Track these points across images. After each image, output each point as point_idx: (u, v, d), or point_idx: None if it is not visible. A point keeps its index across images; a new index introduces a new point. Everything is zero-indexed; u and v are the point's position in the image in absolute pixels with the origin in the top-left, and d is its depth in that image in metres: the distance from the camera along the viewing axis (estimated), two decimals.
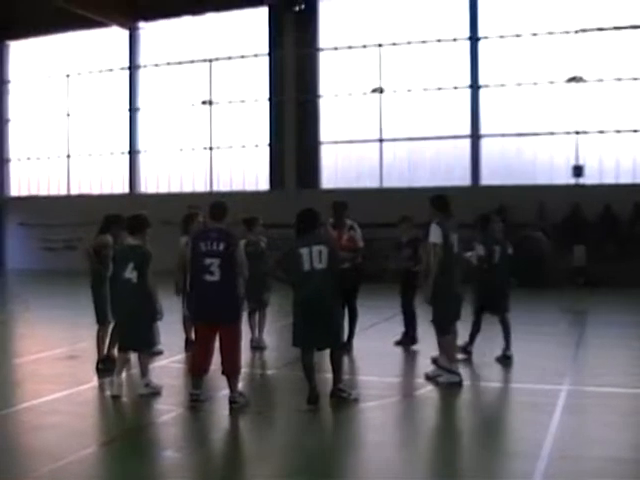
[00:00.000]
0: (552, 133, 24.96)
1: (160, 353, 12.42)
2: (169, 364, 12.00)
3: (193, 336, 12.41)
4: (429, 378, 10.60)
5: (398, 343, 13.19)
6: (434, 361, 10.88)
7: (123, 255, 10.15)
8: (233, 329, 9.44)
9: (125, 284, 9.92)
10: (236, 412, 9.25)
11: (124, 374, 10.46)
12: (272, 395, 10.79)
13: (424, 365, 11.32)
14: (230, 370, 9.40)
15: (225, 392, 9.52)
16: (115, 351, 10.80)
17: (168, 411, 9.38)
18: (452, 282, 10.48)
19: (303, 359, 9.51)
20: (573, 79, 24.53)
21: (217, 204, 9.67)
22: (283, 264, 10.02)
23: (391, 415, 9.57)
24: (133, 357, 10.65)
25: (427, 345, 11.95)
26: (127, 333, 10.10)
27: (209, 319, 9.36)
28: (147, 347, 10.25)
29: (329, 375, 9.71)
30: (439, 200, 10.81)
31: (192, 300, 9.95)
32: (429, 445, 8.39)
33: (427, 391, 10.20)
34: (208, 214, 9.78)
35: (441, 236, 10.39)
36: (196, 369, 9.58)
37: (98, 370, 11.30)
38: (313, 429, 9.01)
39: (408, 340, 13.18)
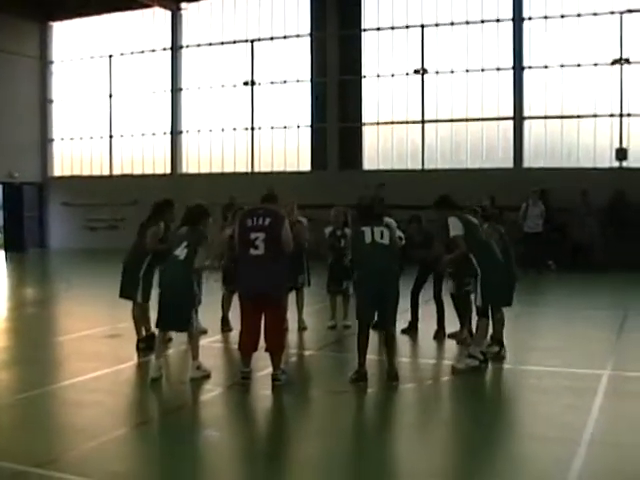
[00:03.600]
0: (596, 115, 24.62)
1: (204, 332, 12.45)
2: (208, 344, 12.00)
3: (229, 315, 12.50)
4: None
5: (404, 331, 12.72)
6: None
7: (180, 236, 10.10)
8: (277, 305, 9.54)
9: (172, 260, 9.87)
10: (278, 391, 9.30)
11: (163, 354, 10.48)
12: (311, 376, 10.82)
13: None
14: (274, 347, 9.46)
15: (266, 372, 9.57)
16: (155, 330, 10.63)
17: (209, 391, 9.45)
18: (494, 264, 10.29)
19: (359, 334, 9.62)
20: (618, 61, 24.17)
21: (269, 193, 10.19)
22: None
23: (427, 397, 9.60)
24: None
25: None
26: (168, 312, 9.83)
27: (254, 294, 9.41)
28: (186, 326, 9.98)
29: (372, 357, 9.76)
30: (446, 200, 10.60)
31: (238, 277, 9.95)
32: (465, 429, 8.29)
33: (465, 374, 10.12)
34: (260, 201, 9.95)
35: (462, 228, 10.14)
36: (244, 348, 9.57)
37: (139, 350, 11.29)
38: (353, 409, 9.05)
39: (413, 328, 12.94)
